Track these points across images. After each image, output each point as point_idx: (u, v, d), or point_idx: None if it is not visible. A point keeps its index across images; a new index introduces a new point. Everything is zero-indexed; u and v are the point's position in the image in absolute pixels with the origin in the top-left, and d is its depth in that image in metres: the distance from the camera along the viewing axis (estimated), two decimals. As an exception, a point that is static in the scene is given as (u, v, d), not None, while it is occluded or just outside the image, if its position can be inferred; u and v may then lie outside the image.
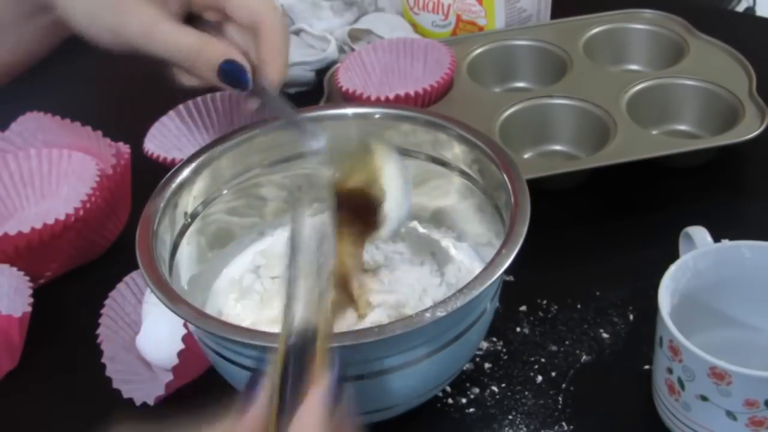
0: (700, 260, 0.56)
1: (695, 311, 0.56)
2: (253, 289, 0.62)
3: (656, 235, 0.69)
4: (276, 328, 0.59)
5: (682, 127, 0.80)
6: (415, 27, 0.97)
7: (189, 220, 0.61)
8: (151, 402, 0.58)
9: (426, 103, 0.80)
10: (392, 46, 0.87)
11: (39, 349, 0.66)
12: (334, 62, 0.90)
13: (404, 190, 0.57)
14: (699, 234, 0.58)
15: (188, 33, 0.61)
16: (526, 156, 0.79)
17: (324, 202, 0.68)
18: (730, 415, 0.50)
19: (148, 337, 0.61)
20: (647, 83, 0.80)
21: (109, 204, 0.71)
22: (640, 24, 0.88)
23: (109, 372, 0.59)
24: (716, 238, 0.58)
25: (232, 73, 0.60)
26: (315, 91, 0.89)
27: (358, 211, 0.56)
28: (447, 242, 0.66)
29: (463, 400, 0.59)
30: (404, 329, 0.48)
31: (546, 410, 0.58)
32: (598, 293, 0.66)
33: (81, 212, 0.68)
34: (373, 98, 0.80)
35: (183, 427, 0.40)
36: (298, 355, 0.40)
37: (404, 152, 0.65)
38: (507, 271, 0.52)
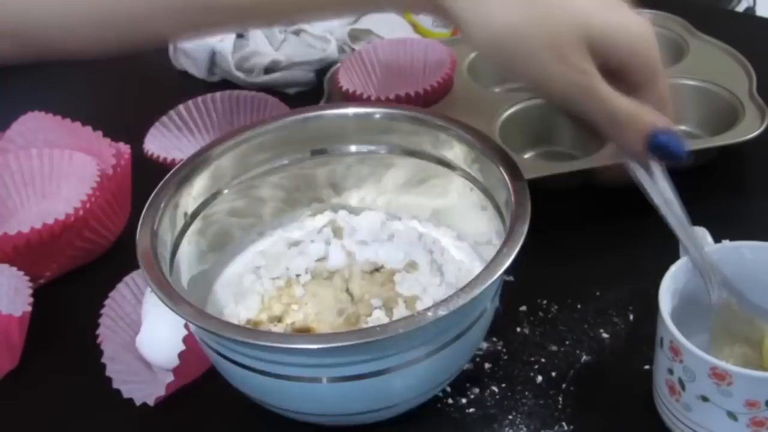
0: (701, 260, 0.56)
1: (696, 311, 0.56)
2: (253, 289, 0.62)
3: (656, 235, 0.68)
4: (276, 328, 0.59)
5: (682, 127, 0.80)
6: (415, 27, 0.97)
7: (189, 220, 0.61)
8: (151, 402, 0.58)
9: (426, 103, 0.80)
10: (392, 46, 0.87)
11: (39, 349, 0.66)
12: (334, 62, 0.90)
13: None
14: (699, 234, 0.58)
15: (621, 95, 0.56)
16: (526, 156, 0.79)
17: (322, 202, 0.68)
18: (731, 415, 0.50)
19: (148, 337, 0.61)
20: (647, 83, 0.80)
21: (110, 204, 0.71)
22: (640, 24, 0.88)
23: (109, 372, 0.59)
24: (716, 239, 0.58)
25: (667, 145, 0.56)
26: (315, 91, 0.89)
27: None
28: (447, 241, 0.66)
29: (463, 400, 0.59)
30: (405, 328, 0.48)
31: (546, 410, 0.58)
32: (598, 293, 0.66)
33: (81, 212, 0.68)
34: (373, 98, 0.80)
35: None
36: None
37: (404, 152, 0.65)
38: (507, 271, 0.52)
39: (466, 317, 0.53)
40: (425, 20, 0.96)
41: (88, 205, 0.69)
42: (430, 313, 0.48)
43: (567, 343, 0.63)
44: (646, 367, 0.60)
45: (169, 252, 0.58)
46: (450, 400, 0.59)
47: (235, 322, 0.59)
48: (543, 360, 0.61)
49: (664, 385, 0.54)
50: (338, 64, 0.87)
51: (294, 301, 0.61)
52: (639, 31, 0.57)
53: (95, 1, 0.64)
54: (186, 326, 0.57)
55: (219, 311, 0.61)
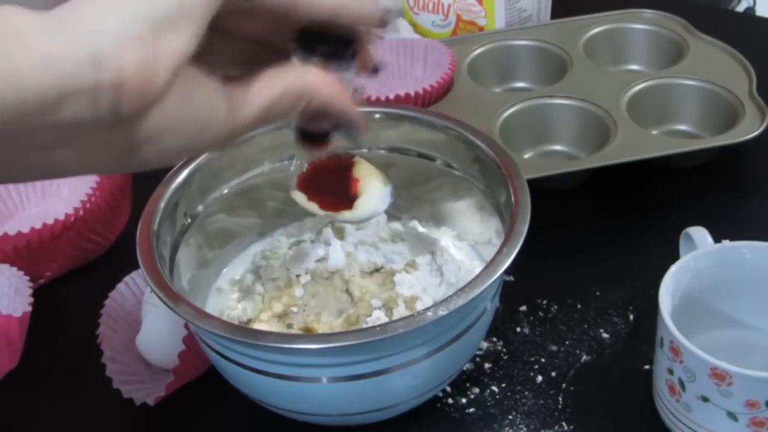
0: (701, 261, 0.56)
1: (696, 312, 0.56)
2: (253, 289, 0.62)
3: (656, 235, 0.69)
4: (276, 328, 0.59)
5: (682, 127, 0.80)
6: (415, 27, 0.97)
7: (189, 220, 0.61)
8: (151, 402, 0.58)
9: (426, 103, 0.80)
10: (392, 46, 0.87)
11: (39, 349, 0.66)
12: (334, 62, 0.90)
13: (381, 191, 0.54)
14: (699, 234, 0.58)
15: None
16: (526, 156, 0.79)
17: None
18: (731, 415, 0.50)
19: (148, 337, 0.61)
20: (647, 83, 0.80)
21: (109, 204, 0.71)
22: (640, 24, 0.89)
23: (109, 372, 0.59)
24: (716, 239, 0.58)
25: None
26: (315, 91, 0.89)
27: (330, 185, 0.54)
28: (447, 241, 0.66)
29: (463, 400, 0.59)
30: (405, 328, 0.48)
31: (546, 410, 0.58)
32: (598, 293, 0.66)
33: (81, 212, 0.68)
34: (373, 98, 0.80)
35: None
36: None
37: (404, 152, 0.65)
38: (507, 271, 0.52)
39: (466, 317, 0.53)
40: (425, 20, 0.96)
41: (88, 205, 0.69)
42: (430, 313, 0.48)
43: (567, 343, 0.63)
44: (646, 367, 0.60)
45: (169, 252, 0.58)
46: (450, 400, 0.59)
47: (235, 322, 0.59)
48: (543, 360, 0.61)
49: (664, 385, 0.54)
50: (338, 64, 0.87)
51: (294, 302, 0.60)
52: None
53: None
54: (186, 326, 0.57)
55: (219, 311, 0.61)
